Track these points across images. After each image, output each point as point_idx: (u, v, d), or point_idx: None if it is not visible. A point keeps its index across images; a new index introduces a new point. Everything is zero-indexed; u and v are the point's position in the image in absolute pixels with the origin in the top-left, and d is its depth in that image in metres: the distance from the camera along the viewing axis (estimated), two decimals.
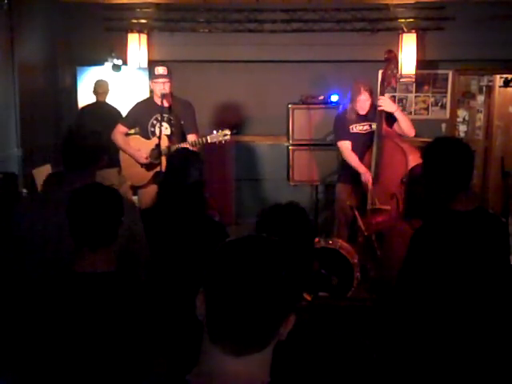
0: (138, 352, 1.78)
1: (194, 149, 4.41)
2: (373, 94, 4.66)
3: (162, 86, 4.40)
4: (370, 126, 4.65)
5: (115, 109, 5.77)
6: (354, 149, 4.65)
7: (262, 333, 1.10)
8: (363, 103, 4.59)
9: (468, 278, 2.28)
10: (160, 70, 4.43)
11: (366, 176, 4.47)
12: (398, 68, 5.27)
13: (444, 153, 2.39)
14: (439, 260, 2.30)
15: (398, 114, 4.55)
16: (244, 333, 1.08)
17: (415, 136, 4.76)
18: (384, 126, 4.51)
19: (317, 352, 1.67)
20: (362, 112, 4.63)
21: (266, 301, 1.08)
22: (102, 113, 5.44)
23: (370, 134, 4.61)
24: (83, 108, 5.90)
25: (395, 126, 4.59)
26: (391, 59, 4.64)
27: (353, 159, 4.63)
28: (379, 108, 4.46)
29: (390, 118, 4.61)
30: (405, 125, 4.53)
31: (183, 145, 4.38)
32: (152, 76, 4.51)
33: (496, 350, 2.26)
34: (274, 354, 1.15)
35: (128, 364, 1.76)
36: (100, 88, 5.90)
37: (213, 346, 1.10)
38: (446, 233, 2.33)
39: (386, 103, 4.49)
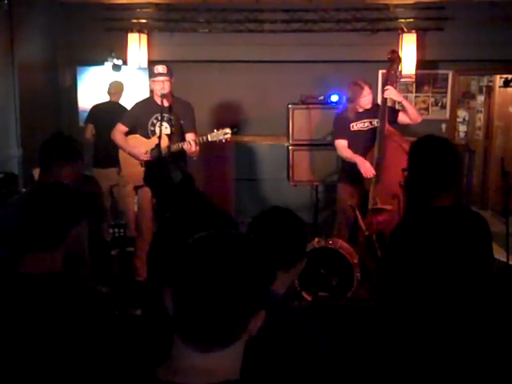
0: (82, 355, 1.74)
1: (196, 149, 4.41)
2: (370, 89, 4.67)
3: (162, 85, 4.39)
4: (371, 122, 4.65)
5: (126, 110, 5.75)
6: (355, 147, 4.64)
7: (229, 329, 1.09)
8: (367, 98, 4.61)
9: (446, 272, 2.28)
10: (159, 68, 4.43)
11: (365, 166, 4.45)
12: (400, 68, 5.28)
13: (430, 151, 2.38)
14: (417, 255, 2.31)
15: (405, 103, 4.58)
16: (209, 329, 1.08)
17: (415, 136, 4.75)
18: (386, 125, 4.51)
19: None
20: (368, 106, 4.63)
21: (231, 297, 1.07)
22: (112, 112, 5.43)
23: (371, 130, 4.61)
24: (95, 106, 5.90)
25: (401, 116, 4.59)
26: (395, 59, 4.64)
27: (348, 153, 4.63)
28: (386, 96, 4.46)
29: (393, 113, 4.62)
30: (412, 112, 4.56)
31: (186, 144, 4.38)
32: (152, 75, 4.51)
33: (478, 345, 2.27)
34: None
35: (72, 367, 1.72)
36: (113, 88, 5.89)
37: (181, 341, 1.10)
38: (423, 228, 2.34)
39: (392, 93, 4.49)
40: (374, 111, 4.61)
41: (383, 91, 4.53)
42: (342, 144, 4.70)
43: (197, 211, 2.75)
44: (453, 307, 2.28)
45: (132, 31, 6.34)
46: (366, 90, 4.59)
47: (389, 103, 4.67)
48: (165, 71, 4.41)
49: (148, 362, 1.18)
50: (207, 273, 1.08)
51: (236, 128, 4.62)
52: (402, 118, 4.60)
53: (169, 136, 4.45)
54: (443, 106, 6.75)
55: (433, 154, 2.37)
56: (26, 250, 1.84)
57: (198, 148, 4.40)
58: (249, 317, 1.11)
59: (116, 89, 5.91)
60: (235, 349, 1.12)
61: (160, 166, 2.99)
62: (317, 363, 1.66)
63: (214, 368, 1.09)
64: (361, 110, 4.66)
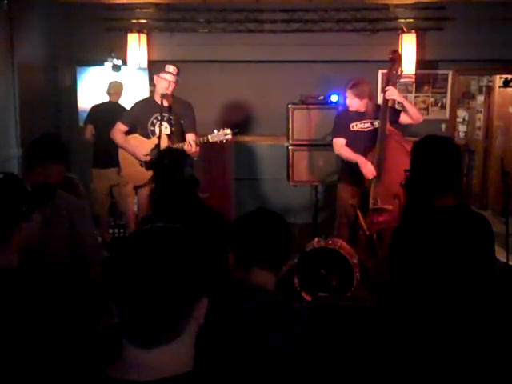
0: (30, 353, 1.71)
1: (197, 149, 4.41)
2: (363, 92, 4.63)
3: (167, 85, 4.40)
4: (372, 123, 4.64)
5: (126, 110, 5.75)
6: (354, 147, 4.63)
7: (167, 323, 1.10)
8: (352, 102, 4.62)
9: (448, 272, 2.28)
10: (171, 68, 4.45)
11: (367, 167, 4.44)
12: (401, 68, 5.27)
13: (432, 151, 2.39)
14: (420, 254, 2.31)
15: (406, 103, 4.57)
16: (148, 326, 1.09)
17: (415, 136, 4.76)
18: (388, 125, 4.50)
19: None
20: (353, 109, 4.63)
21: (162, 292, 1.08)
22: (112, 112, 5.43)
23: (372, 131, 4.60)
24: (94, 106, 5.90)
25: (402, 116, 4.59)
26: (396, 59, 4.63)
27: (347, 152, 4.61)
28: (387, 97, 4.45)
29: (394, 113, 4.61)
30: (413, 112, 4.55)
31: (187, 144, 4.38)
32: (160, 71, 4.49)
33: (479, 345, 2.27)
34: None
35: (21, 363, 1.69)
36: (113, 88, 5.89)
37: (127, 340, 1.12)
38: (426, 227, 2.35)
39: (395, 93, 4.49)
40: (375, 112, 4.60)
41: (384, 92, 4.51)
42: (339, 142, 4.69)
43: (191, 210, 2.77)
44: (455, 307, 2.28)
45: (132, 31, 6.35)
46: (349, 93, 4.58)
47: (389, 103, 4.67)
48: (175, 72, 4.44)
49: (101, 361, 1.19)
50: (134, 268, 1.09)
51: (238, 129, 4.61)
52: (404, 118, 4.60)
53: (169, 136, 4.45)
54: (443, 106, 6.75)
55: (435, 153, 2.38)
56: None
57: (198, 148, 4.40)
58: (187, 307, 1.12)
59: (116, 89, 5.91)
60: (183, 340, 1.13)
61: (178, 155, 3.00)
62: (315, 357, 1.68)
63: (162, 363, 1.10)
64: (351, 109, 4.66)
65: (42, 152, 2.75)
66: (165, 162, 2.93)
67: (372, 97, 4.74)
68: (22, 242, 1.90)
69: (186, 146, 4.37)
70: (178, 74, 4.45)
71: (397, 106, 5.01)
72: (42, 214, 1.98)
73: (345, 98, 4.75)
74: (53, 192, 2.16)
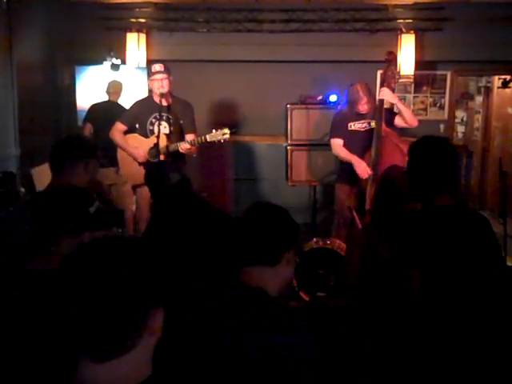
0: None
1: (193, 148, 4.41)
2: (370, 93, 4.65)
3: (160, 83, 4.37)
4: (369, 123, 4.64)
5: (125, 109, 5.75)
6: (352, 147, 4.63)
7: (116, 337, 1.08)
8: (363, 107, 4.60)
9: (451, 272, 2.28)
10: (157, 67, 4.43)
11: (361, 167, 4.44)
12: (397, 69, 5.28)
13: (428, 152, 2.41)
14: (422, 255, 2.31)
15: (400, 106, 4.57)
16: (98, 339, 1.07)
17: (414, 137, 4.76)
18: (383, 126, 4.50)
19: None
20: (364, 112, 4.63)
21: (106, 305, 1.06)
22: (111, 111, 5.42)
23: (369, 131, 4.60)
24: (93, 105, 5.90)
25: (397, 119, 4.59)
26: (392, 60, 4.62)
27: (344, 152, 4.62)
28: (380, 97, 4.45)
29: (390, 115, 4.61)
30: (407, 115, 4.55)
31: (182, 144, 4.38)
32: (149, 74, 4.51)
33: (490, 348, 2.27)
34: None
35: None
36: (112, 88, 5.89)
37: (82, 356, 1.10)
38: (425, 227, 2.35)
39: (387, 94, 4.48)
40: (373, 112, 4.60)
41: (379, 92, 4.52)
42: (337, 143, 4.70)
43: (190, 209, 2.79)
44: (463, 306, 2.27)
45: (131, 30, 6.35)
46: (363, 99, 4.55)
47: (386, 105, 4.67)
48: (162, 69, 4.41)
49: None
50: (78, 281, 1.08)
51: (235, 129, 4.62)
52: (398, 121, 4.60)
53: (167, 135, 4.45)
54: (441, 107, 6.76)
55: (431, 153, 2.39)
56: (39, 249, 1.83)
57: (194, 148, 4.40)
58: (138, 319, 1.09)
59: (115, 88, 5.91)
60: (137, 353, 1.10)
61: (160, 168, 3.07)
62: (298, 366, 1.59)
63: (118, 375, 1.08)
64: (362, 112, 4.66)
65: (66, 153, 2.70)
66: (150, 172, 2.98)
67: (373, 97, 4.74)
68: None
69: (181, 146, 4.37)
70: (166, 69, 4.43)
71: (395, 109, 5.01)
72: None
73: (346, 103, 4.75)
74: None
